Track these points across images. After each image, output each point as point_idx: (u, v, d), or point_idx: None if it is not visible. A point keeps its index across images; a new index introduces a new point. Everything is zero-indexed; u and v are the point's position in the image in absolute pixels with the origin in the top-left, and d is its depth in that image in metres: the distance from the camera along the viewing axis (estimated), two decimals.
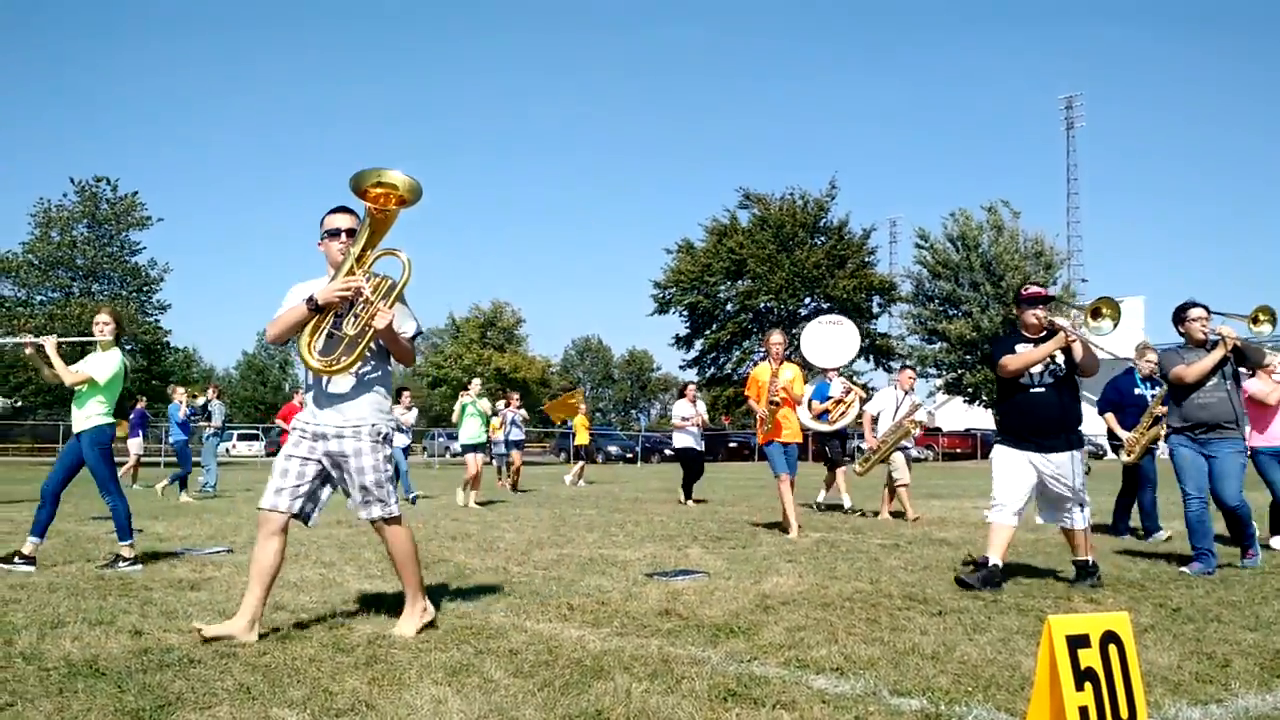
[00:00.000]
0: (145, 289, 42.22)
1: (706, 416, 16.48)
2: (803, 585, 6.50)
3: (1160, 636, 4.90)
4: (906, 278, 55.99)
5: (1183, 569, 7.17)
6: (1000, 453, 6.69)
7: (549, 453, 51.42)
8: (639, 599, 5.91)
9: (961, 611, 5.52)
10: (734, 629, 5.05)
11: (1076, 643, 3.18)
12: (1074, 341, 6.50)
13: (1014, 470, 6.57)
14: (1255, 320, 7.32)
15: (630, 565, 7.48)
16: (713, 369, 56.95)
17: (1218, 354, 7.21)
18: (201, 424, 18.64)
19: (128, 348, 40.03)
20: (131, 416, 20.35)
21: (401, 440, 16.08)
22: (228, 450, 46.49)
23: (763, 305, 54.42)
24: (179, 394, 17.75)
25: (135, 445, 20.03)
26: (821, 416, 13.09)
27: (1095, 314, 6.59)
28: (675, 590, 6.27)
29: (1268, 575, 7.08)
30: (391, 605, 5.66)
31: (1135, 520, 10.16)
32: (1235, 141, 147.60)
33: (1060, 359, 6.52)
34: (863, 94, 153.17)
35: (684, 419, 15.32)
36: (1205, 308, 7.45)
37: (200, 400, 18.92)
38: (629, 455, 46.48)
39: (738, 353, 57.39)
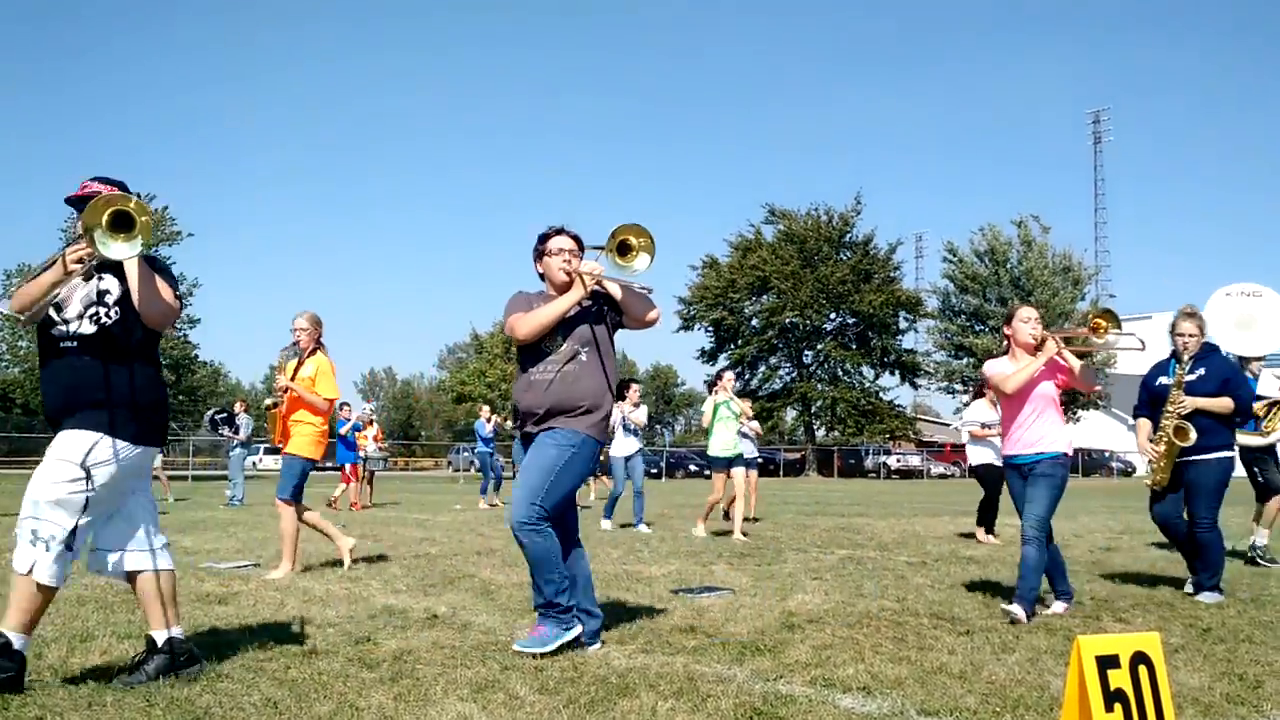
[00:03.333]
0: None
1: None
2: (829, 603, 6.47)
3: (1191, 657, 4.85)
4: (932, 293, 55.89)
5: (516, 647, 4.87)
6: None
7: None
8: (664, 616, 5.90)
9: (989, 631, 5.48)
10: (760, 647, 5.03)
11: (1106, 663, 3.16)
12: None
13: None
14: (622, 252, 4.98)
15: (655, 581, 7.47)
16: (738, 384, 56.92)
17: (569, 297, 4.99)
18: (228, 437, 18.79)
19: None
20: None
21: (628, 446, 13.30)
22: (254, 464, 46.72)
23: (788, 321, 54.38)
24: (484, 411, 20.21)
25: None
26: (1247, 425, 9.43)
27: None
28: (701, 607, 6.26)
29: None
30: (418, 620, 5.68)
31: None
32: (1265, 155, 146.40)
33: (111, 295, 4.23)
34: (888, 108, 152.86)
35: (985, 426, 11.28)
36: (576, 238, 5.20)
37: (509, 423, 20.72)
38: (653, 470, 46.45)
39: (764, 369, 57.37)
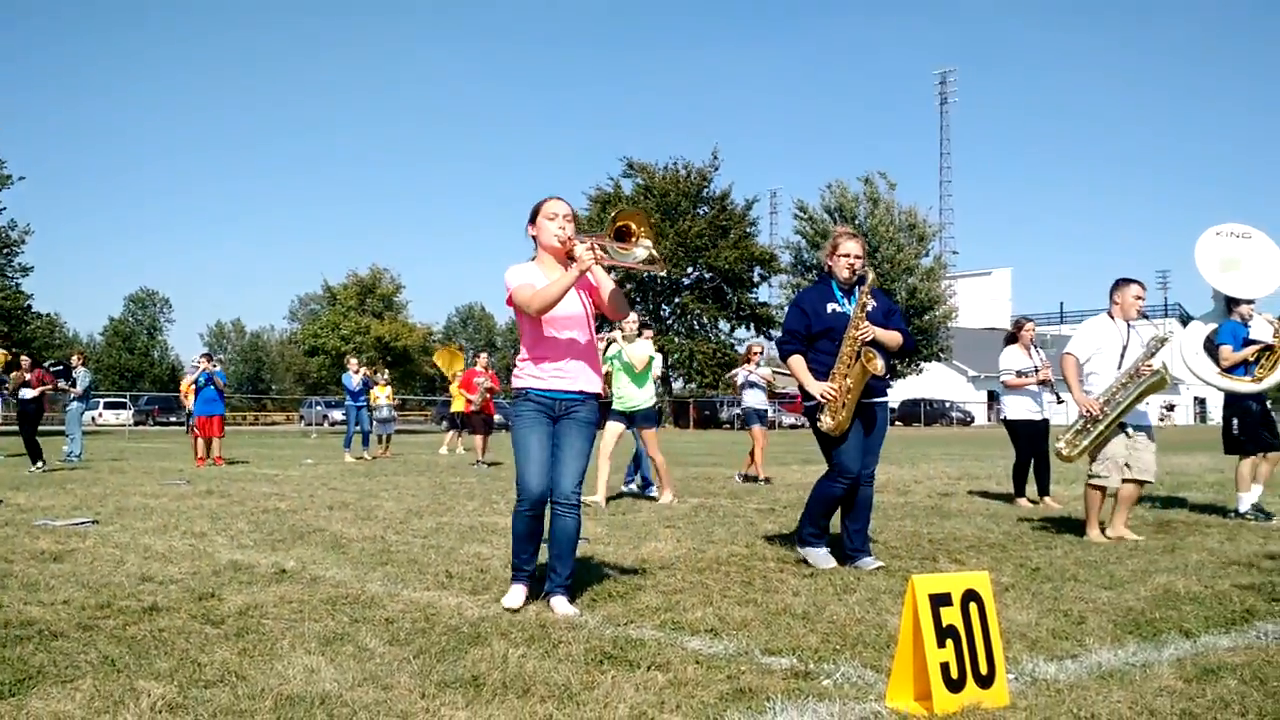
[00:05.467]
0: (5, 251, 40.42)
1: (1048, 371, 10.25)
2: (680, 550, 6.58)
3: (1020, 595, 5.09)
4: (786, 249, 56.85)
5: None
6: None
7: (430, 420, 51.04)
8: None
9: (832, 573, 5.66)
10: (611, 594, 5.09)
11: (939, 601, 3.30)
12: None
13: None
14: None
15: (509, 533, 7.46)
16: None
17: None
18: (65, 390, 17.98)
19: None
20: None
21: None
22: (93, 419, 44.91)
23: (646, 275, 54.52)
24: (353, 364, 19.90)
25: None
26: (1239, 370, 8.70)
27: None
28: None
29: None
30: (265, 576, 5.57)
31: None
32: (1098, 117, 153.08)
33: None
34: (745, 64, 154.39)
35: (1021, 374, 10.07)
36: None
37: (379, 376, 21.55)
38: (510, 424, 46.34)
39: None
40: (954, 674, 3.25)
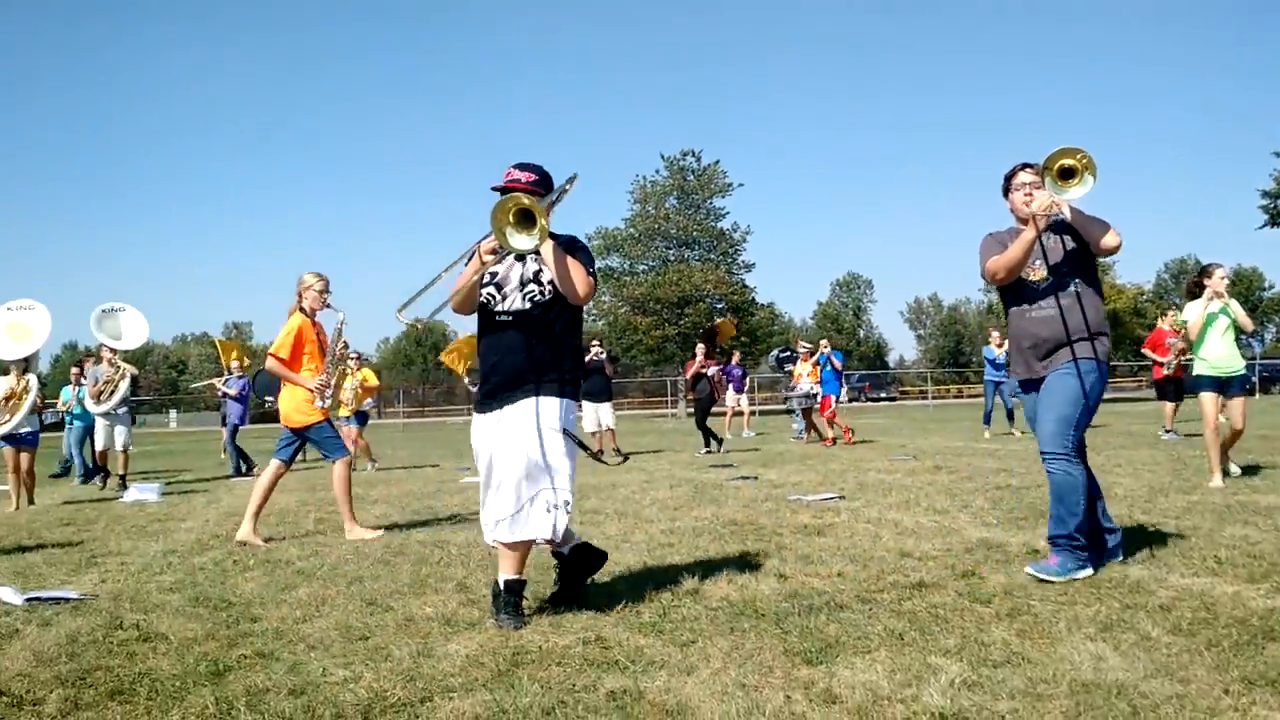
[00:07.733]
0: (730, 251, 45.52)
1: None
2: None
3: None
4: None
5: (1029, 569, 5.00)
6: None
7: (1144, 387, 48.07)
8: None
9: None
10: None
11: None
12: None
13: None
14: (1064, 177, 4.84)
15: (1275, 512, 6.76)
16: None
17: (1028, 235, 5.02)
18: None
19: (719, 306, 43.56)
20: None
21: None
22: None
23: None
24: (995, 337, 19.69)
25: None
26: None
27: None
28: None
29: None
30: (1018, 555, 5.59)
31: None
32: None
33: (545, 275, 4.62)
34: None
35: None
36: (1039, 170, 5.10)
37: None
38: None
39: None
40: None
